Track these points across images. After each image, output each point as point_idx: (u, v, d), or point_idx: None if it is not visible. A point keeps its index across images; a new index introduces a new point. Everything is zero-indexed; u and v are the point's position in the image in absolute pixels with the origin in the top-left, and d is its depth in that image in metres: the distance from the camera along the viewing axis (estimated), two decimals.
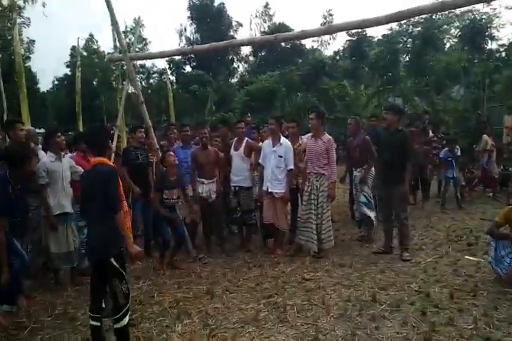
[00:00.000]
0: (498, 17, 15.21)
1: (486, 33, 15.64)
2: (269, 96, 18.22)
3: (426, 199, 8.50)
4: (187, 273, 5.02)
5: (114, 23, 5.27)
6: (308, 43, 30.23)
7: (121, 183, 3.26)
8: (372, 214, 5.93)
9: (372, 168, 6.00)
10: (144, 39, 26.03)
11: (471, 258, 5.10)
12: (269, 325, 3.63)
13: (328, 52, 26.40)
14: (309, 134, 5.69)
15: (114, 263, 3.08)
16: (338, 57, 24.94)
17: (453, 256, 5.21)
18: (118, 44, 6.04)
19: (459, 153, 8.26)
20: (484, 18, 14.86)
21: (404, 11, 4.17)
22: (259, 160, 5.73)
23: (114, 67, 19.87)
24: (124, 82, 6.85)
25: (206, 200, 5.68)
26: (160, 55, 6.05)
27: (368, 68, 17.55)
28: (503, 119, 13.31)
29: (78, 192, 3.80)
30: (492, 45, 19.03)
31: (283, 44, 28.60)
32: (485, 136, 9.30)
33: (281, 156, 5.48)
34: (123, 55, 5.44)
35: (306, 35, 4.57)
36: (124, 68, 6.43)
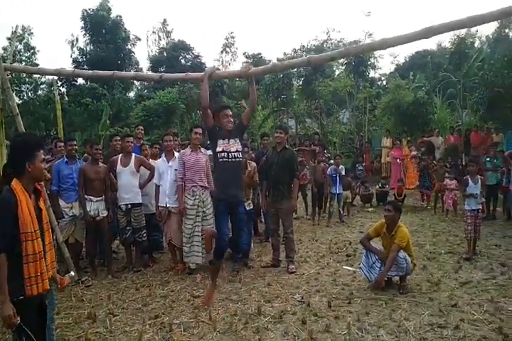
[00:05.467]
0: None
1: (369, 63, 17.32)
2: (167, 112, 18.05)
3: (319, 214, 9.00)
4: (67, 297, 4.69)
5: None
6: (209, 62, 30.71)
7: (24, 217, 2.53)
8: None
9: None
10: (33, 47, 24.24)
11: (349, 268, 5.50)
12: None
13: None
14: (187, 149, 5.66)
15: None
16: (236, 78, 25.68)
17: (333, 267, 5.57)
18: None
19: (343, 172, 8.93)
20: None
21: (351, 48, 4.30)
22: (154, 181, 5.68)
23: None
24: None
25: (93, 218, 5.43)
26: (38, 71, 5.73)
27: (263, 90, 18.32)
28: (382, 141, 14.75)
29: None
30: (375, 74, 21.18)
31: (183, 61, 28.77)
32: None
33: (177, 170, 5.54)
34: None
35: (189, 76, 4.51)
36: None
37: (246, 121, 4.44)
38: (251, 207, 5.87)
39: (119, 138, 6.41)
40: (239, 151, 4.15)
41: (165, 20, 32.28)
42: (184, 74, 4.57)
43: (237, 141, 4.20)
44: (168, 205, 5.55)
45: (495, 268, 5.38)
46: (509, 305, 4.17)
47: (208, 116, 4.16)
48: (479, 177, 6.27)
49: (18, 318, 2.46)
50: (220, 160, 4.10)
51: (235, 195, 4.13)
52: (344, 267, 5.54)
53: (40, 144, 2.74)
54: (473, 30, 21.94)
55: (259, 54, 21.67)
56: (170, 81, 11.54)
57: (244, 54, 26.56)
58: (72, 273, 3.13)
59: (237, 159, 4.14)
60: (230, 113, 4.24)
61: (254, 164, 6.06)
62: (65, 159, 5.68)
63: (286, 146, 5.74)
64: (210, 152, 5.55)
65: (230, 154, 4.09)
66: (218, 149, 4.10)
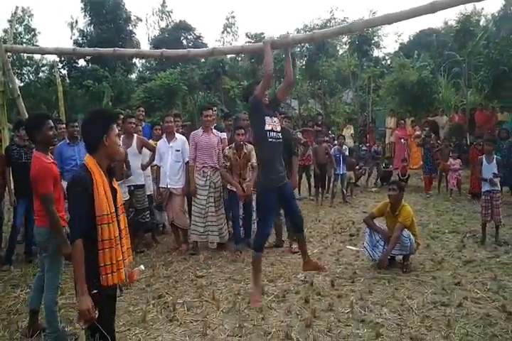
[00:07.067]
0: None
1: (372, 41, 17.00)
2: (169, 94, 17.93)
3: (322, 195, 8.97)
4: (71, 278, 4.72)
5: None
6: (210, 43, 30.33)
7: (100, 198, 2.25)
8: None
9: None
10: (33, 29, 23.98)
11: (352, 247, 5.51)
12: (157, 325, 3.57)
13: None
14: (199, 130, 5.69)
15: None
16: (239, 58, 25.31)
17: (336, 247, 5.58)
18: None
19: (347, 153, 8.87)
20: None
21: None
22: (155, 162, 5.70)
23: None
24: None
25: None
26: (38, 51, 5.69)
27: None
28: (386, 121, 14.58)
29: None
30: (379, 53, 20.80)
31: (185, 42, 28.40)
32: None
33: (178, 150, 5.58)
34: None
35: (192, 53, 4.63)
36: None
37: (282, 96, 4.07)
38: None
39: (133, 119, 6.03)
40: (280, 132, 3.88)
41: (164, 1, 31.77)
42: (186, 50, 4.62)
43: (277, 120, 3.92)
44: (169, 186, 5.54)
45: (498, 247, 5.38)
46: None
47: (269, 86, 3.85)
48: (495, 156, 5.89)
49: (97, 312, 2.24)
50: (270, 140, 3.78)
51: (284, 177, 3.90)
52: (347, 247, 5.55)
53: (114, 117, 2.59)
54: (478, 8, 21.36)
55: (262, 34, 21.30)
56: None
57: (246, 34, 26.11)
58: (142, 266, 2.84)
59: (281, 140, 3.88)
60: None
61: (251, 146, 5.91)
62: (67, 141, 5.63)
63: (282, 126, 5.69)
64: (223, 135, 5.78)
65: (277, 134, 3.81)
66: (267, 127, 3.77)
